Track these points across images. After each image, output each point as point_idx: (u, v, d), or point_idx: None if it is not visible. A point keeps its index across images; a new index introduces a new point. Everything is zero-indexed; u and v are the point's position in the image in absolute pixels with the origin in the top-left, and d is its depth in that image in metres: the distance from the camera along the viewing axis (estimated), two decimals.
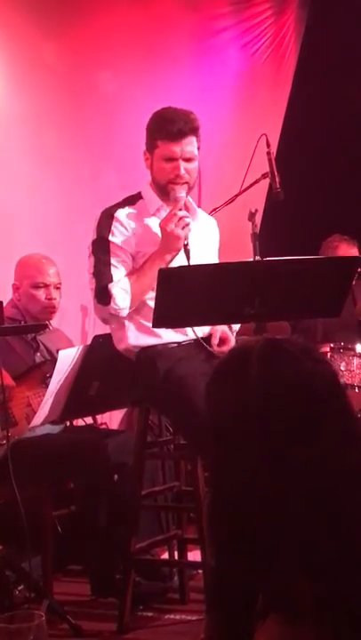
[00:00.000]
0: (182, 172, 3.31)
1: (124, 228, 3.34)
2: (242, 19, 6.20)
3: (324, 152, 6.30)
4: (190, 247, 3.35)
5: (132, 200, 3.43)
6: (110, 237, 3.33)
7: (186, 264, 3.26)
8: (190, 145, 3.33)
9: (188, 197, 3.44)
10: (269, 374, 1.38)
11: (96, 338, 3.81)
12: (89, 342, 3.94)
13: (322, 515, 1.33)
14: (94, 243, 3.38)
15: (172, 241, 3.21)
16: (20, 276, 4.03)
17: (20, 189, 4.87)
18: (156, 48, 5.64)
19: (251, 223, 3.50)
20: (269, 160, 3.91)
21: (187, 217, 3.23)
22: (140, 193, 3.45)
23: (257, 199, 4.24)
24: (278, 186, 3.86)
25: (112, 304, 3.25)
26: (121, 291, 3.25)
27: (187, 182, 3.34)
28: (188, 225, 3.23)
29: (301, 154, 6.22)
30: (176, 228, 3.20)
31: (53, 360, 3.72)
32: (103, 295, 3.28)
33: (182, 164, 3.31)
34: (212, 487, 1.48)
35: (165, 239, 3.24)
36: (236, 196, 4.12)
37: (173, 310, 3.04)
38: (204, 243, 3.51)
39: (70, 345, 4.05)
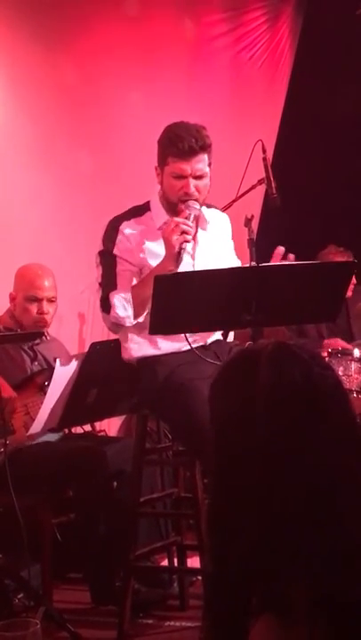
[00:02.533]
0: (192, 189, 3.25)
1: (128, 242, 3.31)
2: (237, 25, 6.21)
3: (321, 157, 6.32)
4: (197, 258, 3.34)
5: (139, 211, 3.39)
6: (115, 251, 3.32)
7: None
8: (201, 162, 3.26)
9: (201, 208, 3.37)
10: (280, 376, 1.38)
11: (93, 345, 3.81)
12: (86, 350, 3.94)
13: (320, 517, 1.33)
14: (100, 254, 3.37)
15: (168, 248, 3.19)
16: (16, 287, 4.04)
17: (18, 196, 4.88)
18: (152, 55, 5.65)
19: (247, 229, 3.50)
20: (265, 166, 3.93)
21: (187, 232, 3.16)
22: (148, 203, 3.41)
23: (253, 205, 4.26)
24: (275, 191, 3.88)
25: (112, 313, 3.26)
26: (121, 299, 3.25)
27: (197, 199, 3.27)
28: (187, 241, 3.16)
29: (297, 159, 6.23)
30: (175, 242, 3.14)
31: (51, 369, 3.72)
32: (105, 304, 3.30)
33: (192, 182, 3.25)
34: (212, 487, 1.48)
35: (165, 247, 3.20)
36: (233, 201, 4.14)
37: (169, 317, 3.04)
38: (215, 252, 3.45)
39: (67, 354, 4.05)
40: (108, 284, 3.31)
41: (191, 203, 3.26)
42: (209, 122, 5.75)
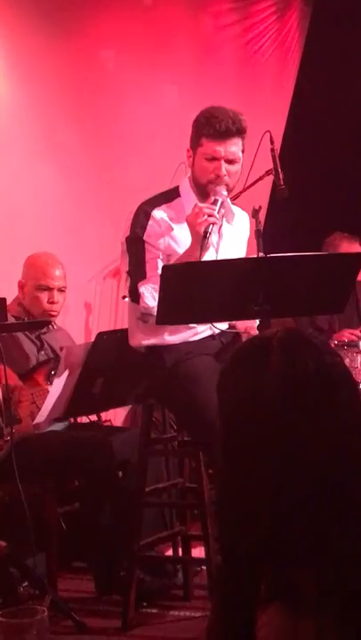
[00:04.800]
0: (223, 172, 3.20)
1: (159, 227, 3.25)
2: (245, 15, 6.19)
3: (329, 148, 6.29)
4: (221, 250, 3.31)
5: (169, 197, 3.33)
6: (145, 237, 3.25)
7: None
8: (235, 146, 3.22)
9: (228, 199, 3.33)
10: (292, 362, 1.38)
11: (100, 335, 3.81)
12: (92, 339, 3.94)
13: (329, 503, 1.33)
14: (128, 240, 3.30)
15: (193, 234, 3.12)
16: (25, 275, 4.04)
17: (24, 185, 4.88)
18: (160, 45, 5.63)
19: (255, 220, 3.50)
20: (273, 157, 3.91)
21: (213, 215, 3.10)
22: (177, 188, 3.35)
23: (261, 196, 4.24)
24: (282, 182, 3.87)
25: (141, 303, 3.22)
26: (149, 289, 3.19)
27: (227, 184, 3.23)
28: (213, 223, 3.10)
29: (305, 150, 6.21)
30: (198, 226, 3.08)
31: (58, 358, 3.72)
32: (134, 294, 3.26)
33: (224, 166, 3.20)
34: (221, 475, 1.48)
35: (191, 233, 3.14)
36: (241, 192, 4.12)
37: (177, 307, 3.03)
38: (238, 247, 3.44)
39: (73, 344, 4.05)
40: (137, 272, 3.26)
41: (219, 188, 3.20)
42: None
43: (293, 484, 1.34)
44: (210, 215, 3.09)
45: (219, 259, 3.31)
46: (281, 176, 3.87)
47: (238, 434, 1.41)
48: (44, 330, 4.02)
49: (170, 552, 3.86)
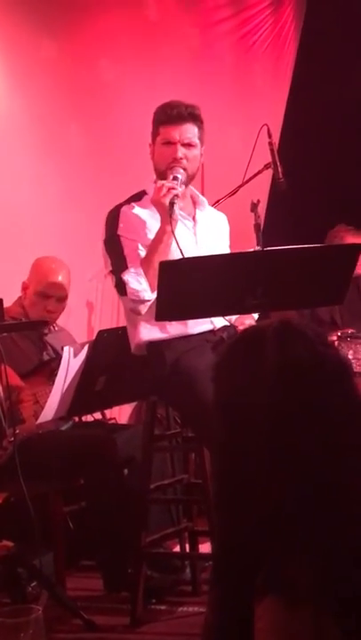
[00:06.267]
0: (180, 155, 3.33)
1: (129, 220, 3.36)
2: (241, 9, 6.18)
3: (327, 140, 6.29)
4: (198, 235, 3.42)
5: (136, 197, 3.46)
6: (119, 232, 3.35)
7: (196, 255, 3.27)
8: (190, 132, 3.36)
9: (192, 188, 3.48)
10: (286, 352, 1.39)
11: (101, 333, 3.81)
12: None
13: (325, 495, 1.33)
14: (106, 242, 3.40)
15: (161, 210, 3.23)
16: (30, 278, 4.03)
17: (23, 185, 4.88)
18: (155, 40, 5.63)
19: (253, 214, 3.50)
20: (271, 150, 3.90)
21: (174, 187, 3.22)
22: (144, 190, 3.47)
23: (260, 190, 4.24)
24: (281, 176, 3.86)
25: (128, 290, 3.26)
26: (132, 274, 3.26)
27: (185, 168, 3.34)
28: (177, 196, 3.21)
29: (304, 143, 6.20)
30: (162, 198, 3.20)
31: (59, 358, 3.72)
32: (120, 286, 3.30)
33: (180, 149, 3.34)
34: (217, 467, 1.48)
35: (159, 211, 3.25)
36: (239, 187, 4.11)
37: (175, 303, 3.03)
38: (213, 235, 3.52)
39: (75, 343, 4.05)
40: (119, 267, 3.32)
41: (176, 168, 3.32)
42: (214, 107, 5.78)
43: (289, 476, 1.34)
44: (171, 188, 3.21)
45: (201, 244, 3.40)
46: (280, 169, 3.87)
47: (234, 424, 1.41)
48: (46, 331, 4.02)
49: (177, 548, 3.86)
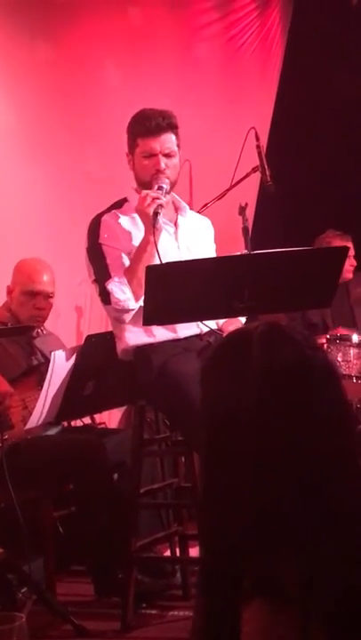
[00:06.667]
0: (163, 166, 3.35)
1: (111, 229, 3.38)
2: (227, 12, 6.19)
3: (315, 143, 6.30)
4: (180, 241, 3.43)
5: (117, 204, 3.48)
6: (100, 240, 3.37)
7: (181, 259, 3.30)
8: (169, 142, 3.37)
9: (174, 194, 3.49)
10: (272, 355, 1.38)
11: (89, 338, 3.81)
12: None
13: (311, 498, 1.33)
14: (88, 250, 3.42)
15: (145, 220, 3.25)
16: (14, 280, 4.04)
17: (12, 189, 4.88)
18: (142, 44, 5.63)
19: (241, 217, 3.50)
20: (259, 153, 3.91)
21: (158, 197, 3.24)
22: (125, 198, 3.49)
23: (248, 193, 4.24)
24: (269, 179, 3.86)
25: (113, 300, 3.27)
26: (116, 284, 3.27)
27: (168, 177, 3.36)
28: (161, 206, 3.23)
29: (291, 146, 6.21)
30: (147, 208, 3.21)
31: (48, 363, 3.71)
32: (104, 295, 3.32)
33: (163, 160, 3.35)
34: (203, 469, 1.48)
35: (142, 220, 3.27)
36: (227, 190, 4.12)
37: (162, 307, 3.03)
38: (196, 239, 3.53)
39: (64, 348, 4.04)
40: (102, 275, 3.33)
41: (160, 178, 3.34)
42: (201, 110, 5.80)
43: (276, 478, 1.34)
44: (156, 198, 3.23)
45: (183, 249, 3.42)
46: (268, 172, 3.87)
47: (220, 427, 1.41)
48: (35, 335, 4.01)
49: (167, 552, 3.86)
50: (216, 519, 1.40)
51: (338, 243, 5.26)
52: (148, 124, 3.34)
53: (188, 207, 3.58)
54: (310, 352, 1.42)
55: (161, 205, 3.22)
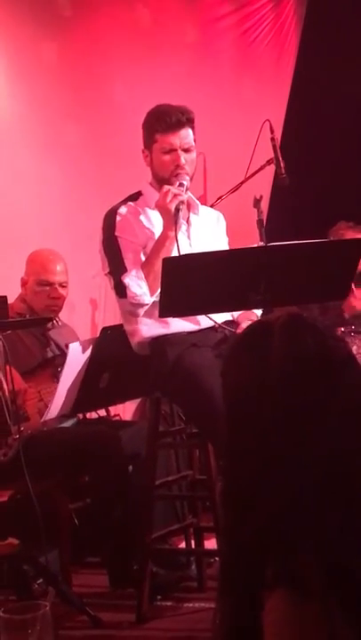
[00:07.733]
0: (183, 161, 3.35)
1: (127, 221, 3.38)
2: (241, 5, 6.17)
3: (329, 136, 6.27)
4: (192, 238, 3.43)
5: (132, 197, 3.48)
6: (116, 233, 3.37)
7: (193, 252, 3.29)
8: (188, 137, 3.38)
9: (189, 192, 3.46)
10: (294, 345, 1.38)
11: (104, 330, 3.82)
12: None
13: (331, 489, 1.33)
14: (103, 243, 3.42)
15: (165, 215, 3.25)
16: (27, 271, 4.05)
17: (24, 183, 4.88)
18: (155, 37, 5.63)
19: (256, 210, 3.50)
20: (274, 146, 3.90)
21: (180, 194, 3.26)
22: (140, 191, 3.49)
23: (263, 186, 4.23)
24: (283, 171, 3.86)
25: (129, 294, 3.27)
26: (133, 278, 3.27)
27: (187, 174, 3.36)
28: (182, 202, 3.25)
29: (306, 138, 6.19)
30: (169, 204, 3.22)
31: (63, 355, 3.72)
32: (119, 289, 3.32)
33: (182, 155, 3.35)
34: (226, 461, 1.48)
35: (163, 216, 3.28)
36: (242, 183, 4.11)
37: (179, 299, 3.04)
38: (208, 235, 3.53)
39: (78, 340, 4.05)
40: (118, 268, 3.33)
41: (182, 175, 3.34)
42: (215, 103, 5.79)
43: (296, 470, 1.34)
44: (177, 194, 3.24)
45: (195, 246, 3.42)
46: (282, 165, 3.86)
47: (242, 418, 1.40)
48: (50, 326, 4.02)
49: (182, 544, 3.87)
50: (238, 511, 1.40)
51: (351, 233, 5.24)
52: (168, 120, 3.34)
53: (200, 204, 3.58)
54: (332, 342, 1.41)
55: (182, 202, 3.23)
